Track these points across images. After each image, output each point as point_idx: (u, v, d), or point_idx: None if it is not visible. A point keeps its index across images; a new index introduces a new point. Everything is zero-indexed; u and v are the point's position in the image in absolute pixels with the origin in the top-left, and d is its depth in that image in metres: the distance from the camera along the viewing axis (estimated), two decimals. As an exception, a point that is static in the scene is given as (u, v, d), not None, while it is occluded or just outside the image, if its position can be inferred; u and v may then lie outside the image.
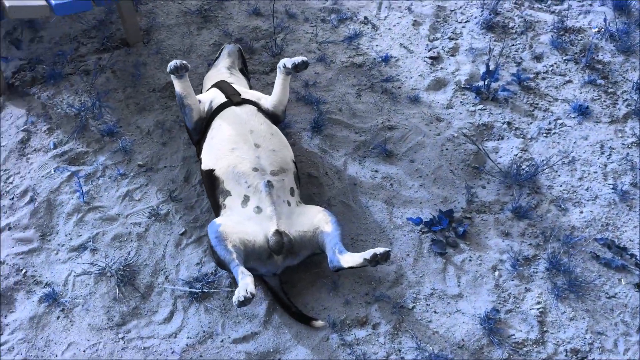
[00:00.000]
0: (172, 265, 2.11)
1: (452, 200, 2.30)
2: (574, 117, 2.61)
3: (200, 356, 1.88)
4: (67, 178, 2.38)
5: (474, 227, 2.22)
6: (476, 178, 2.38)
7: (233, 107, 2.16)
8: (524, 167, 2.41)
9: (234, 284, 2.03)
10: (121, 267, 2.09)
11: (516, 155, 2.47)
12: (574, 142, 2.52)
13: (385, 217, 2.26)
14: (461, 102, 2.69)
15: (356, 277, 2.07)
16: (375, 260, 1.81)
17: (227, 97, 2.20)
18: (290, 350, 1.89)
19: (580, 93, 2.71)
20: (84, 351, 1.90)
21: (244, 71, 2.59)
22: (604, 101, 2.67)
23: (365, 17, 3.13)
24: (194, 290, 2.02)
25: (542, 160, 2.44)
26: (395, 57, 2.92)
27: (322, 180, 2.38)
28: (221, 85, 2.29)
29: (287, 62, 2.17)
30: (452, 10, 3.17)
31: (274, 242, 1.89)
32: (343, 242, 1.90)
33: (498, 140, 2.53)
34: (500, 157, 2.46)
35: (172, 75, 2.13)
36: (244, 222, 1.92)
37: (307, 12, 3.16)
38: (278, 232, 1.90)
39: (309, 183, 2.37)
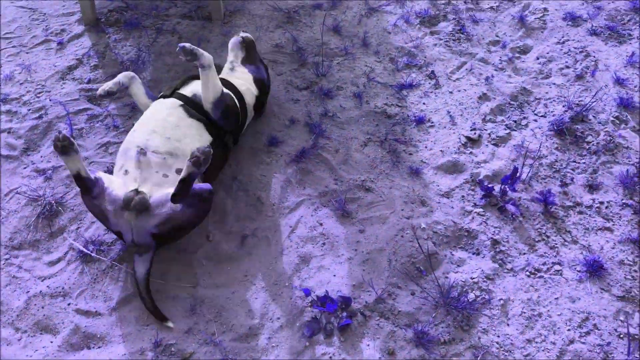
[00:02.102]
0: (89, 222, 2.24)
1: (365, 289, 2.04)
2: (578, 272, 2.10)
3: (42, 307, 1.99)
4: (76, 112, 2.65)
5: (363, 327, 1.94)
6: (412, 281, 2.07)
7: (162, 99, 2.19)
8: (471, 295, 2.02)
9: (120, 260, 2.10)
10: (53, 203, 2.28)
11: (474, 279, 2.08)
12: (555, 299, 2.03)
13: (290, 271, 2.10)
14: (462, 196, 2.34)
15: (216, 313, 1.98)
16: (197, 159, 1.82)
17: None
18: (109, 344, 1.90)
19: (612, 249, 2.16)
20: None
21: (254, 61, 2.53)
22: (632, 272, 2.10)
23: (433, 72, 2.87)
24: (85, 250, 2.13)
25: (500, 300, 2.02)
26: (431, 123, 2.63)
27: (264, 208, 2.29)
28: (184, 79, 2.31)
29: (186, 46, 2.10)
30: (537, 99, 2.74)
31: (126, 196, 1.91)
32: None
33: (470, 254, 2.16)
34: (457, 272, 2.10)
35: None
36: (115, 180, 1.99)
37: (383, 46, 3.00)
38: (135, 191, 1.93)
39: (251, 205, 2.30)
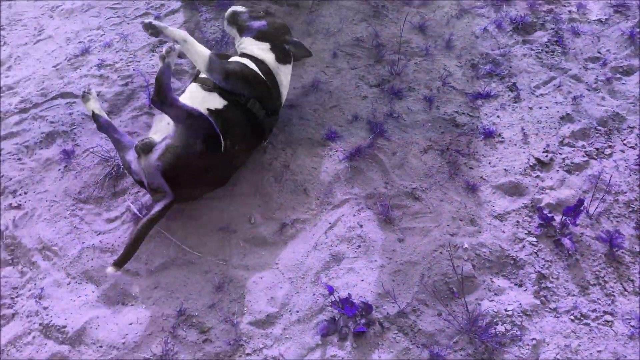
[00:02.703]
0: (147, 187, 2.39)
1: (390, 300, 1.99)
2: (632, 327, 1.90)
3: (92, 259, 2.16)
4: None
5: (379, 338, 1.90)
6: (441, 301, 1.99)
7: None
8: (501, 328, 1.91)
9: (167, 228, 2.23)
10: (120, 165, 2.46)
11: (509, 311, 1.95)
12: (598, 351, 1.85)
13: (319, 267, 2.10)
14: (517, 222, 2.20)
15: (240, 295, 2.04)
16: (161, 54, 2.12)
17: None
18: (140, 304, 2.03)
19: (677, 306, 1.93)
20: (41, 199, 2.34)
21: (248, 27, 2.44)
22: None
23: (515, 84, 2.69)
24: (138, 214, 2.28)
25: (533, 340, 1.89)
26: (501, 138, 2.49)
27: (309, 201, 2.30)
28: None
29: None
30: (630, 127, 2.49)
31: (137, 143, 2.11)
32: None
33: (512, 284, 2.03)
34: (492, 300, 1.98)
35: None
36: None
37: (467, 50, 2.87)
38: (146, 138, 2.12)
39: (296, 195, 2.32)
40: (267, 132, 2.39)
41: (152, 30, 2.20)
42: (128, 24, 3.18)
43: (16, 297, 2.05)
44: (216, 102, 2.19)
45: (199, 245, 2.17)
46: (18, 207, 2.31)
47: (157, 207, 2.05)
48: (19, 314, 2.00)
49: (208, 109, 2.15)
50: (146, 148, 2.06)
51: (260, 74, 2.31)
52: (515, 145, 2.46)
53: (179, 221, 2.23)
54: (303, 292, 2.03)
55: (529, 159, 2.40)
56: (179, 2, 3.25)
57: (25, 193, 2.36)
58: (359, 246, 2.16)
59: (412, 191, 2.31)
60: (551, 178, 2.33)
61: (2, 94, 2.78)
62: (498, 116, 2.58)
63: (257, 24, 2.45)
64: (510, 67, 2.77)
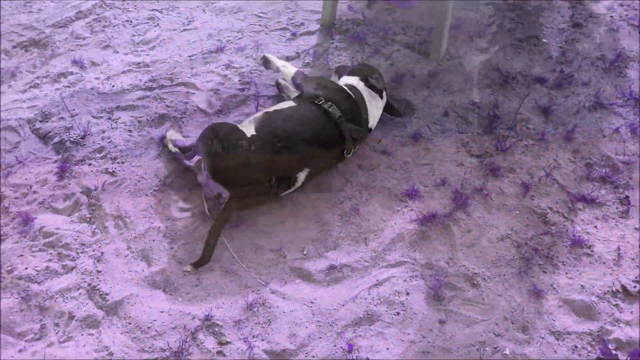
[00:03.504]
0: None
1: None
2: None
3: (153, 240, 2.31)
4: (270, 96, 2.95)
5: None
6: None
7: None
8: None
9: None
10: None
11: None
12: None
13: (350, 320, 2.05)
14: (575, 346, 1.99)
15: (267, 320, 2.06)
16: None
17: None
18: (175, 297, 2.13)
19: None
20: (133, 172, 2.55)
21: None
22: None
23: (627, 198, 2.45)
24: (206, 211, 2.40)
25: None
26: (590, 251, 2.27)
27: (365, 250, 2.27)
28: None
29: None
30: None
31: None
32: None
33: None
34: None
35: None
36: None
37: (588, 147, 2.66)
38: None
39: (356, 240, 2.30)
40: (349, 141, 2.40)
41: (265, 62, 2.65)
42: (266, 34, 3.36)
43: (81, 252, 2.25)
44: (284, 104, 2.44)
45: (249, 259, 2.24)
46: (112, 173, 2.53)
47: (221, 208, 2.17)
48: (77, 268, 2.19)
49: (266, 111, 2.41)
50: (200, 165, 2.29)
51: (346, 89, 2.51)
52: (604, 264, 2.23)
53: (239, 232, 2.32)
54: (326, 339, 2.01)
55: (613, 283, 2.16)
56: (317, 26, 3.38)
57: (123, 163, 2.59)
58: (398, 313, 2.08)
59: (472, 275, 2.19)
60: (632, 312, 2.07)
61: (138, 69, 3.08)
62: (595, 226, 2.35)
63: (350, 66, 2.74)
64: (630, 178, 2.52)
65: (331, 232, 2.34)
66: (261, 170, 2.24)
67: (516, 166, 2.57)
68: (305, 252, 2.27)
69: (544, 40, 3.25)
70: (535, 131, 2.72)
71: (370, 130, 2.57)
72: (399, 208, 2.42)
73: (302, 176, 2.33)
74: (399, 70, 3.08)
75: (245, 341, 2.00)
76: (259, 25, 3.42)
